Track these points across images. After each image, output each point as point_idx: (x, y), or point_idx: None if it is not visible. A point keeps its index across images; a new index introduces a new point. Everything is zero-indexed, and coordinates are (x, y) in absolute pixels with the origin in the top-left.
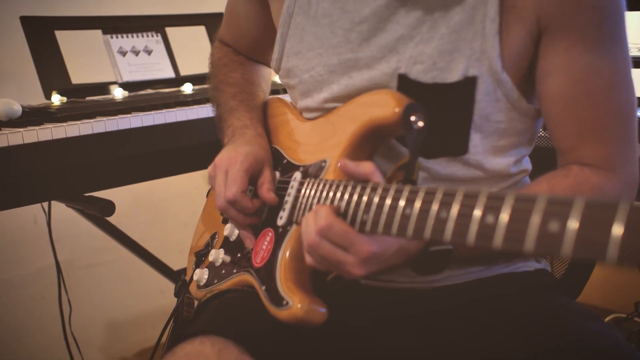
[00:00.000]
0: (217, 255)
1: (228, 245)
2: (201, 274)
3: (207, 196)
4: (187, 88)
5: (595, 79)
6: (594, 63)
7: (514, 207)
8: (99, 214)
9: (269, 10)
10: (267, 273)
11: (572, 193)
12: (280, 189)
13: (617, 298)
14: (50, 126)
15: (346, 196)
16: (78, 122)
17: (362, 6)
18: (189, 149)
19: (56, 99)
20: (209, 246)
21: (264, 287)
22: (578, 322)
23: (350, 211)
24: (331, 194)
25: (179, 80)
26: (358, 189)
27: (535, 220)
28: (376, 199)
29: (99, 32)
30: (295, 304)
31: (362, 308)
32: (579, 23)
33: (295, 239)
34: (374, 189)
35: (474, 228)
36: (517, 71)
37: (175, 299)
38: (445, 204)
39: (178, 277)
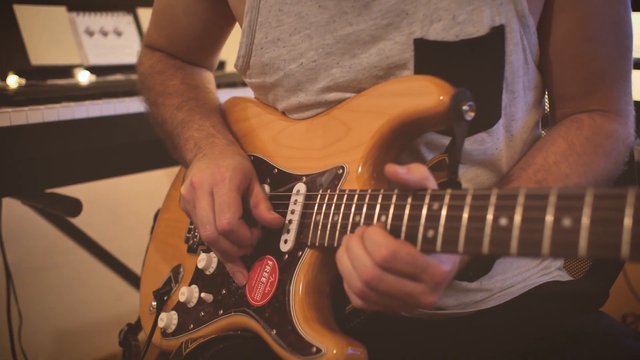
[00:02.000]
0: (191, 293)
1: (203, 280)
2: (169, 319)
3: (154, 219)
4: (117, 78)
5: (607, 13)
6: None
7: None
8: (64, 214)
9: (216, 2)
10: (275, 313)
11: (590, 145)
12: (278, 206)
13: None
14: (9, 110)
15: (393, 210)
16: (42, 107)
17: None
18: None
19: (13, 81)
20: (170, 282)
21: (274, 332)
22: (628, 343)
23: (405, 228)
24: (365, 208)
25: None
26: (410, 200)
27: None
28: (444, 211)
29: (63, 8)
30: (330, 350)
31: (387, 337)
32: None
33: (312, 267)
34: (435, 198)
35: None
36: (536, 15)
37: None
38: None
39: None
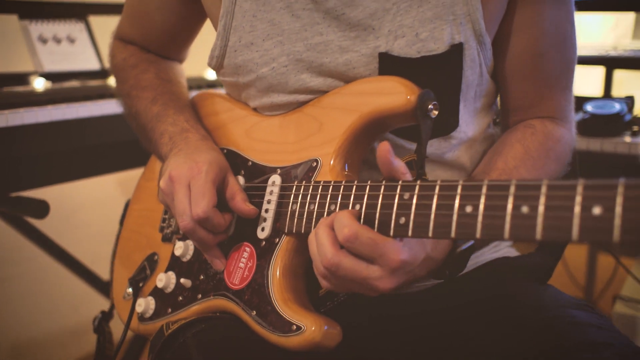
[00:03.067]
0: (168, 280)
1: (180, 267)
2: (146, 304)
3: (124, 210)
4: (74, 84)
5: (557, 31)
6: (556, 16)
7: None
8: (32, 216)
9: (189, 1)
10: (255, 295)
11: (544, 149)
12: (253, 197)
13: None
14: None
15: (367, 199)
16: (6, 112)
17: None
18: (123, 144)
19: None
20: (145, 270)
21: (254, 312)
22: (570, 312)
23: (379, 215)
24: (340, 198)
25: (106, 73)
26: (382, 190)
27: (577, 208)
28: (415, 200)
29: (14, 16)
30: (309, 327)
31: (357, 312)
32: None
33: (288, 252)
34: (406, 189)
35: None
36: (492, 33)
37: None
38: (501, 197)
39: (108, 288)
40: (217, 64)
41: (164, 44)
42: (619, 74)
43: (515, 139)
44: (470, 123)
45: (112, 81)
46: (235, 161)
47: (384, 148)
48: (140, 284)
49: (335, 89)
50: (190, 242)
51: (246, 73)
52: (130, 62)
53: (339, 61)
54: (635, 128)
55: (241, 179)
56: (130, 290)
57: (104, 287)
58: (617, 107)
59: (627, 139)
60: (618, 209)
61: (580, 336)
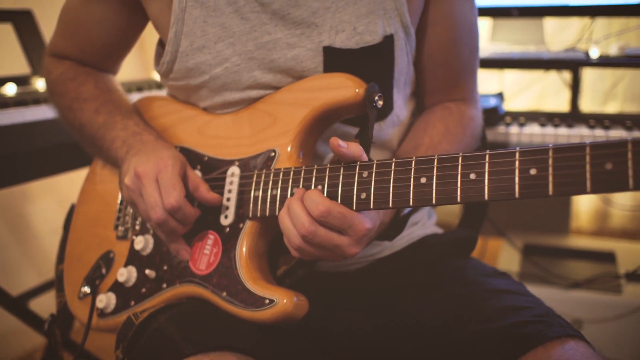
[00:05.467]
0: (129, 273)
1: (139, 260)
2: (107, 300)
3: (68, 214)
4: (10, 89)
5: (466, 22)
6: (465, 8)
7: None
8: None
9: (132, 11)
10: (223, 277)
11: (461, 126)
12: (213, 188)
13: None
14: None
15: (328, 180)
16: None
17: None
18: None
19: None
20: (100, 268)
21: (224, 293)
22: (491, 280)
23: (341, 192)
24: (302, 181)
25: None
26: (342, 171)
27: (516, 171)
28: (374, 177)
29: None
30: (281, 300)
31: (310, 289)
32: None
33: (253, 235)
34: (364, 167)
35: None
36: (415, 25)
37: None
38: (451, 167)
39: (16, 306)
40: (166, 69)
41: (102, 57)
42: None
43: (436, 118)
44: (402, 107)
45: (8, 89)
46: (190, 157)
47: (333, 142)
48: (97, 282)
49: (285, 87)
50: (149, 236)
51: (199, 75)
52: (67, 75)
53: (288, 57)
54: (508, 119)
55: (198, 173)
56: (86, 289)
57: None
58: (492, 101)
59: (502, 129)
60: (550, 170)
61: (500, 302)
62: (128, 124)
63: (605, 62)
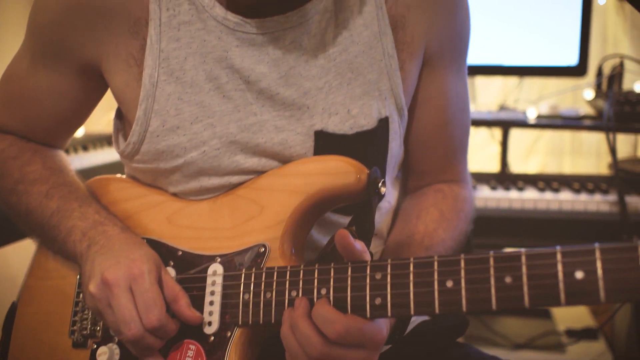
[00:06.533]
0: None
1: None
2: None
3: (8, 314)
4: None
5: (459, 101)
6: (458, 86)
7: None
8: None
9: (89, 81)
10: None
11: (455, 211)
12: (191, 289)
13: None
14: None
15: (334, 282)
16: None
17: (254, 63)
18: None
19: None
20: None
21: None
22: None
23: (350, 299)
24: (301, 283)
25: None
26: (350, 272)
27: (560, 274)
28: (389, 279)
29: None
30: None
31: None
32: (454, 52)
33: (243, 345)
34: (376, 269)
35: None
36: (407, 106)
37: None
38: (482, 270)
39: None
40: (132, 150)
41: (52, 131)
42: None
43: (430, 203)
44: (390, 192)
45: None
46: (161, 251)
47: (344, 235)
48: None
49: (272, 170)
50: (114, 346)
51: (171, 158)
52: (10, 153)
53: (275, 141)
54: None
55: (172, 271)
56: None
57: None
58: None
59: None
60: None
61: None
62: (87, 212)
63: (545, 124)
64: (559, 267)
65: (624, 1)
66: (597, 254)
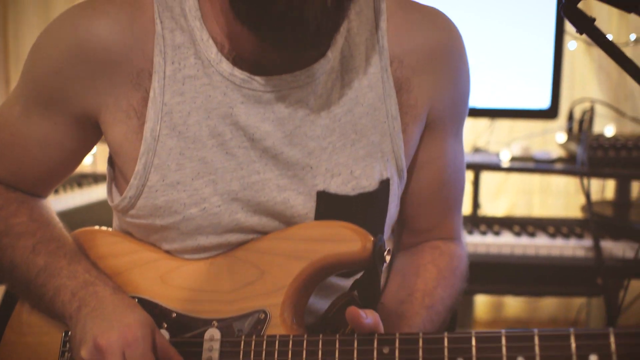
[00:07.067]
0: None
1: None
2: None
3: None
4: None
5: (456, 162)
6: (456, 148)
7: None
8: None
9: (83, 131)
10: None
11: (451, 268)
12: (187, 354)
13: None
14: None
15: (339, 354)
16: None
17: (260, 120)
18: None
19: None
20: None
21: None
22: None
23: None
24: (305, 354)
25: None
26: (355, 344)
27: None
28: (397, 354)
29: None
30: None
31: None
32: (456, 117)
33: None
34: (384, 342)
35: None
36: (407, 166)
37: None
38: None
39: None
40: (128, 204)
41: (40, 180)
42: None
43: (427, 260)
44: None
45: None
46: (154, 312)
47: (354, 314)
48: None
49: (273, 233)
50: None
51: (169, 214)
52: None
53: (277, 200)
54: None
55: (165, 334)
56: None
57: None
58: None
59: None
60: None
61: None
62: (76, 271)
63: (519, 167)
64: (573, 349)
65: (592, 45)
66: (612, 338)
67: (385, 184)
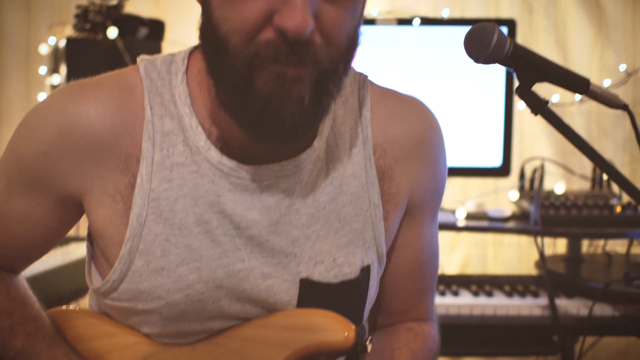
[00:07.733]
0: None
1: None
2: None
3: None
4: None
5: (432, 245)
6: (431, 232)
7: None
8: None
9: (66, 210)
10: None
11: (426, 350)
12: None
13: None
14: None
15: None
16: None
17: (246, 209)
18: None
19: None
20: None
21: None
22: None
23: None
24: None
25: None
26: None
27: None
28: None
29: None
30: None
31: None
32: (433, 203)
33: None
34: None
35: None
36: (386, 251)
37: None
38: None
39: None
40: (110, 288)
41: (17, 257)
42: None
43: (402, 343)
44: None
45: None
46: None
47: None
48: None
49: (255, 320)
50: None
51: (152, 299)
52: None
53: (261, 287)
54: None
55: None
56: None
57: None
58: None
59: None
60: None
61: None
62: (55, 355)
63: (475, 227)
64: None
65: None
66: None
67: (366, 271)
